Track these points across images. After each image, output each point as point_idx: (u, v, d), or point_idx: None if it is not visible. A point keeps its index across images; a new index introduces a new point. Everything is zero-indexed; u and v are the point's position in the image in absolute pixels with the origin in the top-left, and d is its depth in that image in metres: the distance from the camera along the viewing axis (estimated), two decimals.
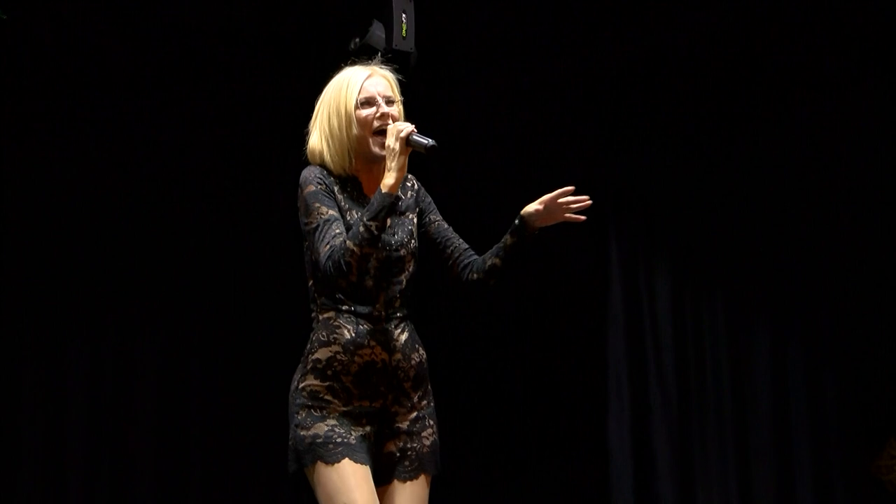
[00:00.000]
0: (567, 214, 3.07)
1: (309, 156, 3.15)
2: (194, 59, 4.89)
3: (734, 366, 5.53)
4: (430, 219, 3.21)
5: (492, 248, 3.15)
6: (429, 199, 3.24)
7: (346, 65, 3.19)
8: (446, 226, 3.23)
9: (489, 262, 3.15)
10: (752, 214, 5.52)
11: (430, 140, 3.00)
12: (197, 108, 4.95)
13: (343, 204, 3.06)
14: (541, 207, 3.07)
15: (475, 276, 3.15)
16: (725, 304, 5.59)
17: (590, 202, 3.06)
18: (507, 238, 3.12)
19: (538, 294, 5.62)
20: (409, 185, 3.22)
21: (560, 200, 3.07)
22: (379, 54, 3.28)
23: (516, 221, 3.11)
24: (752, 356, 5.54)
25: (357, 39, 4.57)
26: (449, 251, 3.18)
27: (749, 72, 5.32)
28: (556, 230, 4.83)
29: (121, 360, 4.88)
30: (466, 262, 3.17)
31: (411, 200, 3.19)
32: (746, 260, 5.55)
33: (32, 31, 4.62)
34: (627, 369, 5.60)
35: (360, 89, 3.09)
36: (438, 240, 3.20)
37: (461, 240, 3.21)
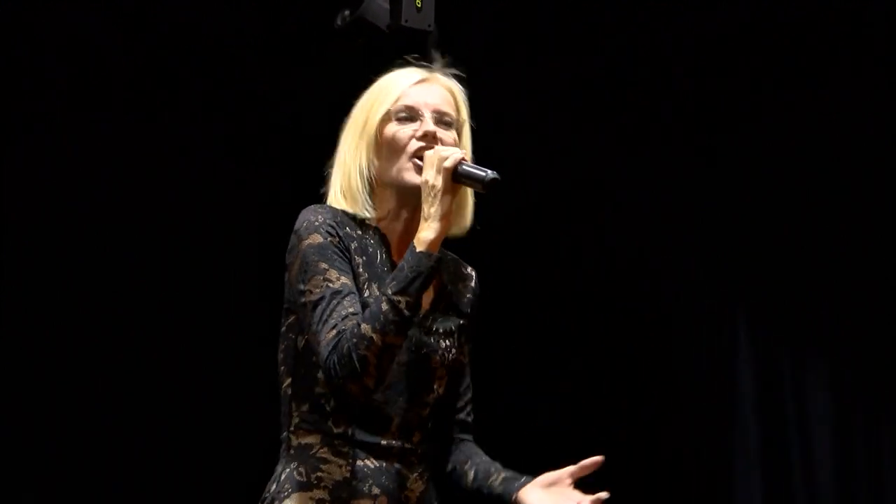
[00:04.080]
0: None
1: (330, 190, 2.81)
2: (194, 57, 4.89)
3: None
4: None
5: (486, 462, 2.84)
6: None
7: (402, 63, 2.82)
8: (468, 369, 2.85)
9: (465, 475, 2.83)
10: None
11: (489, 171, 2.60)
12: (195, 108, 4.97)
13: (360, 270, 2.67)
14: (547, 482, 2.74)
15: (446, 461, 2.85)
16: None
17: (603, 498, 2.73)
18: (500, 488, 2.78)
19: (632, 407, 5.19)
20: (468, 272, 2.85)
21: (570, 485, 2.75)
22: (439, 57, 2.84)
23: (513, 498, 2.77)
24: None
25: (347, 12, 3.99)
26: (449, 409, 2.83)
27: None
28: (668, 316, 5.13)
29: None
30: (456, 437, 2.86)
31: (467, 300, 2.81)
32: None
33: (31, 29, 4.68)
34: None
35: (399, 95, 2.70)
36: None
37: (469, 398, 2.87)
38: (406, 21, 3.86)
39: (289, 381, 2.70)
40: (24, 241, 4.84)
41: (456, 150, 2.66)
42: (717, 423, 5.12)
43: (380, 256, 2.72)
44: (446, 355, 2.74)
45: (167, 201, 4.99)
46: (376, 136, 2.70)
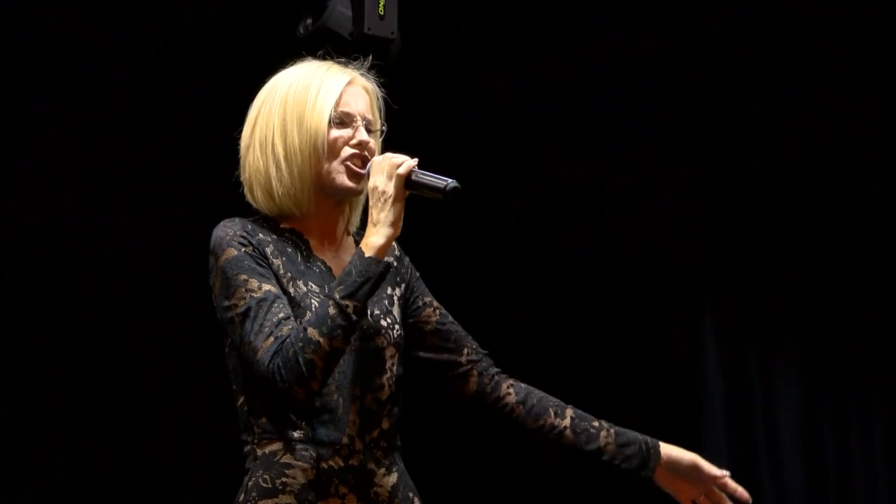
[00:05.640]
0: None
1: (248, 190, 2.73)
2: (194, 57, 4.93)
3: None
4: (423, 302, 2.82)
5: (581, 414, 2.83)
6: (416, 273, 2.85)
7: (309, 56, 2.78)
8: (449, 315, 2.84)
9: (566, 423, 2.79)
10: None
11: (449, 180, 2.57)
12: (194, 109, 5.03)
13: (281, 271, 2.65)
14: (695, 468, 2.81)
15: (521, 412, 2.79)
16: (882, 413, 4.84)
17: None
18: (622, 450, 2.83)
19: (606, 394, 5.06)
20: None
21: (719, 484, 2.81)
22: (370, 57, 2.79)
23: (650, 450, 2.82)
24: None
25: (309, 21, 4.02)
26: (460, 355, 2.79)
27: None
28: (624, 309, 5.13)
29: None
30: (494, 375, 2.80)
31: (392, 269, 2.79)
32: None
33: (28, 28, 4.72)
34: None
35: (338, 99, 2.68)
36: (441, 335, 2.81)
37: (470, 337, 2.83)
38: (369, 29, 3.90)
39: (242, 398, 2.70)
40: (25, 240, 4.87)
41: (406, 157, 2.63)
42: (685, 421, 5.01)
43: (300, 254, 2.72)
44: (390, 332, 2.74)
45: (166, 201, 5.04)
46: (319, 137, 2.67)
